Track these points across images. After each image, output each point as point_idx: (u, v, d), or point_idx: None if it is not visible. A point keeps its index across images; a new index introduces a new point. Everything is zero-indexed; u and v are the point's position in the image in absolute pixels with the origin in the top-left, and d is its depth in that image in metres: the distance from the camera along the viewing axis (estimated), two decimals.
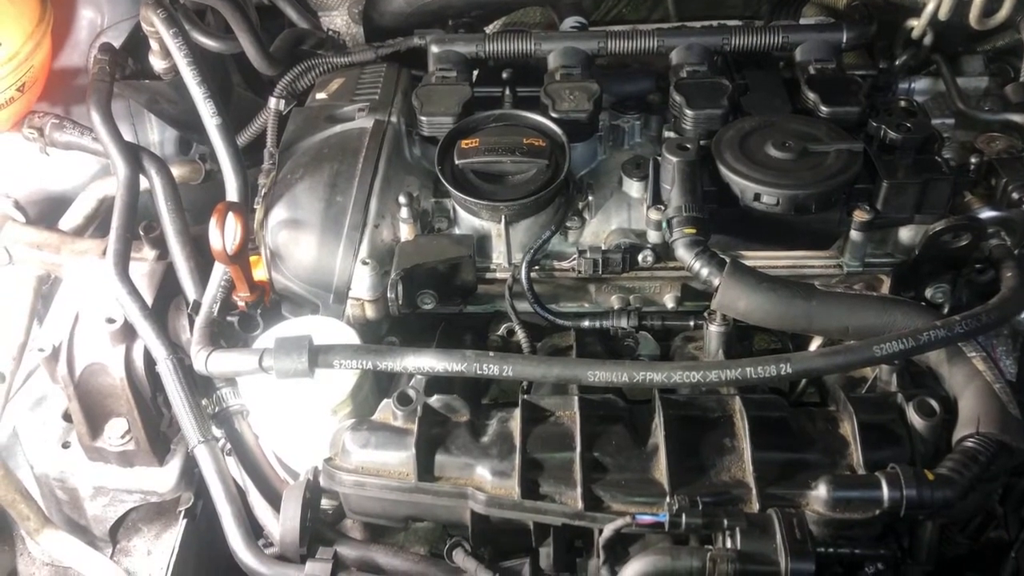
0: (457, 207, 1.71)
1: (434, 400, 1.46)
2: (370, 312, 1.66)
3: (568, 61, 1.88)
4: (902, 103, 1.74)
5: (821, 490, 1.29)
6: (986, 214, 1.65)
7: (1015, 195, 1.65)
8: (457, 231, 1.72)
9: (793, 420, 1.41)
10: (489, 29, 2.33)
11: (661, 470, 1.36)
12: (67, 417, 1.91)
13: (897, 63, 2.04)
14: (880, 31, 1.97)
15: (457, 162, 1.67)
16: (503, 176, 1.67)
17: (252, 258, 1.69)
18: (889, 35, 2.04)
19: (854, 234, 1.61)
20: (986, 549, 1.55)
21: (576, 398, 1.44)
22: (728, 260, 1.49)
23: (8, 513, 1.95)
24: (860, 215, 1.59)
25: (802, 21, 2.15)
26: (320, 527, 1.53)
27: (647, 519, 1.26)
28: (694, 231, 1.52)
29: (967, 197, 1.70)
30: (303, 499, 1.47)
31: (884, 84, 1.99)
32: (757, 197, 1.57)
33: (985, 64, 2.07)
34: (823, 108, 1.73)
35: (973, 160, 1.72)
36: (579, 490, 1.34)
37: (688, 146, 1.63)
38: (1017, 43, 2.05)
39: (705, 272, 1.49)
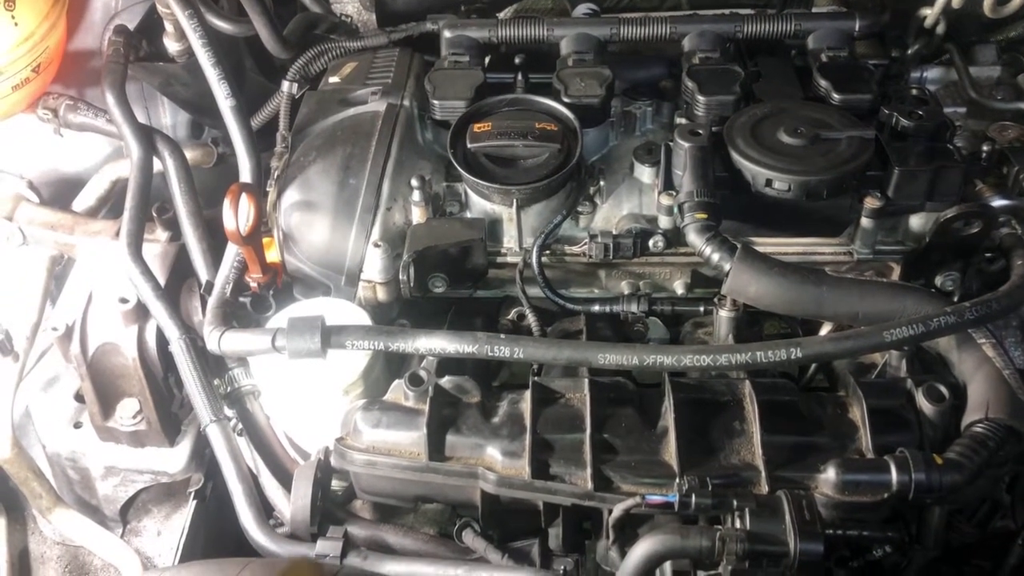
0: (469, 191, 1.72)
1: (445, 381, 1.47)
2: (381, 294, 1.67)
3: (580, 47, 1.89)
4: (914, 91, 1.74)
5: (830, 473, 1.30)
6: (997, 202, 1.65)
7: None
8: (469, 215, 1.73)
9: (803, 404, 1.42)
10: (501, 16, 2.33)
11: (671, 452, 1.36)
12: (79, 397, 1.93)
13: (909, 52, 2.04)
14: (893, 20, 1.97)
15: (469, 146, 1.68)
16: (515, 160, 1.67)
17: (265, 240, 1.70)
18: (902, 24, 2.04)
19: (865, 221, 1.62)
20: (993, 538, 1.55)
21: (586, 380, 1.45)
22: (739, 245, 1.49)
23: (20, 492, 1.97)
24: (871, 202, 1.60)
25: (815, 9, 2.15)
26: (331, 507, 1.54)
27: (657, 499, 1.27)
28: (705, 216, 1.53)
29: (978, 185, 1.69)
30: (314, 479, 1.48)
31: (896, 73, 1.99)
32: (769, 183, 1.58)
33: (998, 53, 2.06)
34: (835, 95, 1.73)
35: (985, 148, 1.72)
36: (589, 471, 1.35)
37: (700, 132, 1.63)
38: None
39: (716, 257, 1.49)
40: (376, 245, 1.63)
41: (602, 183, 1.72)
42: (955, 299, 1.61)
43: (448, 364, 1.51)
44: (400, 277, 1.62)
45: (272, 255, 1.74)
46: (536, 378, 1.49)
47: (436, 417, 1.42)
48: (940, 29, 2.01)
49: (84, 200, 2.13)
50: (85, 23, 2.11)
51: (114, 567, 1.94)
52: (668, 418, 1.40)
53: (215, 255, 1.75)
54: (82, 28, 2.11)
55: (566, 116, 1.72)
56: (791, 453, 1.35)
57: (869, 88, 1.73)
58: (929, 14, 1.99)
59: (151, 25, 2.04)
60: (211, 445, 1.62)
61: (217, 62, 1.79)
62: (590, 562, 1.50)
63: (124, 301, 1.74)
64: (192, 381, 1.62)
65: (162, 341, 1.72)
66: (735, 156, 1.61)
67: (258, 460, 1.64)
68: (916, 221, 1.66)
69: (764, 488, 1.32)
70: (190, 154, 2.06)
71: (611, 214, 1.73)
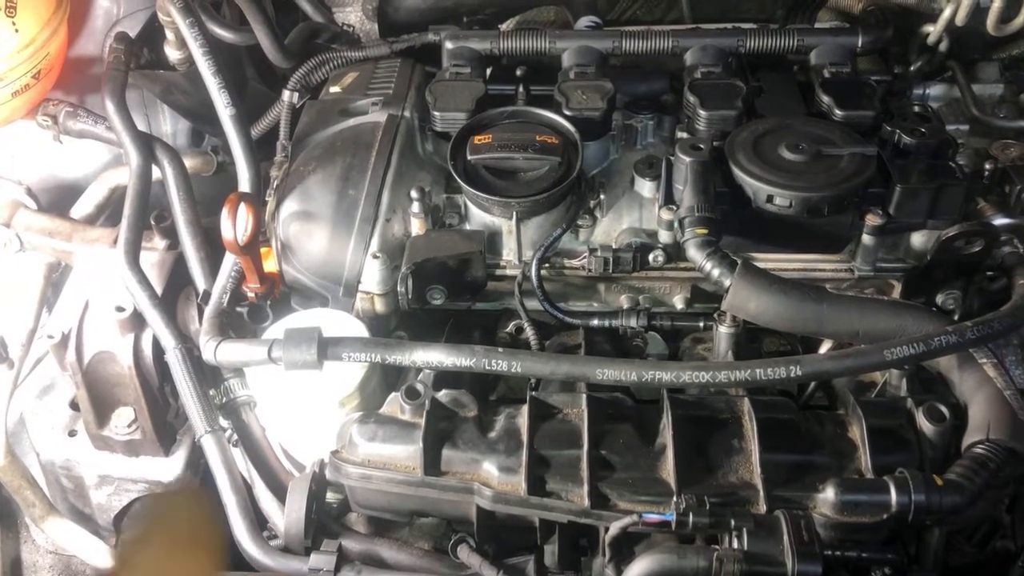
0: (468, 203, 1.71)
1: (442, 395, 1.46)
2: (379, 306, 1.66)
3: (582, 60, 1.88)
4: (916, 108, 1.74)
5: (829, 493, 1.29)
6: (999, 221, 1.65)
7: None
8: (468, 227, 1.72)
9: (802, 423, 1.41)
10: (503, 27, 2.33)
11: (668, 470, 1.35)
12: (74, 405, 1.92)
13: (912, 69, 2.03)
14: (895, 36, 1.97)
15: (469, 158, 1.67)
16: (515, 173, 1.67)
17: (263, 250, 1.70)
18: (904, 40, 2.04)
19: (866, 238, 1.61)
20: (992, 559, 1.53)
21: (584, 396, 1.44)
22: (739, 261, 1.49)
23: (14, 500, 1.95)
24: (872, 219, 1.59)
25: (817, 25, 2.15)
26: (325, 520, 1.52)
27: (654, 518, 1.26)
28: (706, 232, 1.52)
29: (980, 204, 1.69)
30: (309, 491, 1.47)
31: (899, 89, 1.98)
32: (770, 199, 1.57)
33: (1000, 71, 2.06)
34: (837, 111, 1.73)
35: (987, 167, 1.72)
36: (585, 488, 1.34)
37: (701, 146, 1.63)
38: None
39: (716, 273, 1.49)
40: (375, 256, 1.63)
41: (602, 197, 1.72)
42: (956, 318, 1.61)
43: (445, 377, 1.50)
44: (398, 289, 1.61)
45: (270, 265, 1.73)
46: (534, 393, 1.48)
47: (432, 431, 1.40)
48: (943, 46, 2.01)
49: (82, 207, 2.13)
50: (86, 30, 2.10)
51: None
52: (666, 435, 1.39)
53: (213, 264, 1.74)
54: (83, 35, 2.11)
55: (567, 129, 1.72)
56: (790, 472, 1.34)
57: (871, 105, 1.73)
58: (932, 31, 1.98)
59: (152, 33, 2.04)
60: (206, 456, 1.61)
61: (218, 71, 1.79)
62: None
63: (120, 310, 1.72)
64: (187, 391, 1.61)
65: (158, 350, 1.71)
66: (736, 171, 1.60)
67: (253, 471, 1.62)
68: (917, 239, 1.65)
69: (762, 507, 1.31)
70: (190, 162, 2.06)
71: (611, 228, 1.72)
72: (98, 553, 1.92)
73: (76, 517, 1.97)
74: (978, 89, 2.03)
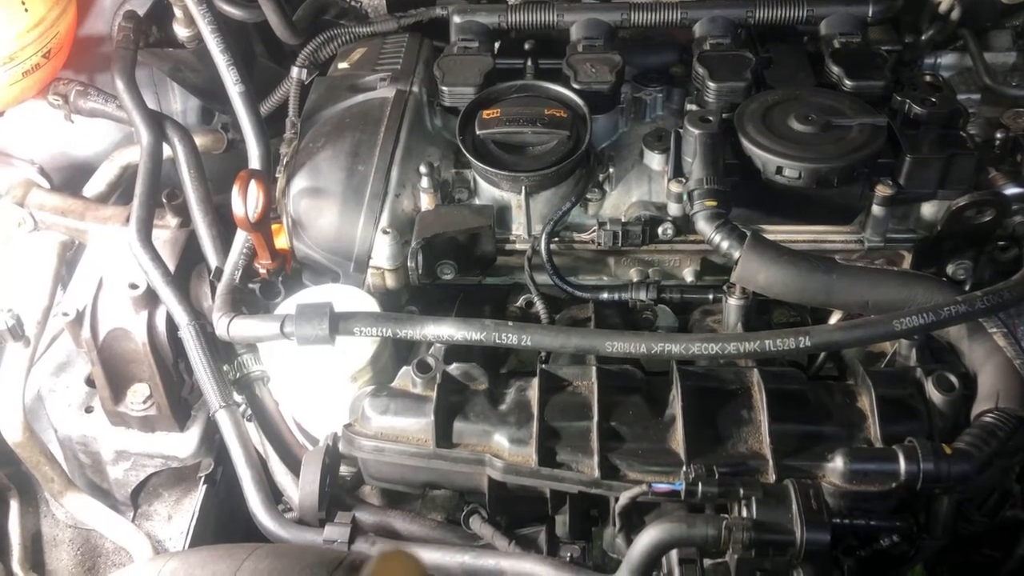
0: (477, 178, 1.71)
1: (453, 368, 1.47)
2: (390, 281, 1.67)
3: (591, 33, 1.88)
4: (927, 78, 1.73)
5: (838, 462, 1.29)
6: (1010, 190, 1.63)
7: None
8: (477, 202, 1.73)
9: (811, 393, 1.41)
10: (511, 1, 2.31)
11: (678, 440, 1.36)
12: (90, 382, 1.94)
13: (923, 38, 2.01)
14: (907, 5, 1.95)
15: (478, 132, 1.67)
16: (524, 147, 1.67)
17: (274, 226, 1.71)
18: (915, 9, 2.02)
19: (876, 209, 1.61)
20: (1002, 527, 1.54)
21: (594, 368, 1.45)
22: (748, 233, 1.49)
23: (33, 475, 1.98)
24: (882, 190, 1.59)
25: None
26: (339, 492, 1.54)
27: (663, 487, 1.27)
28: (715, 204, 1.52)
29: (991, 173, 1.68)
30: (322, 464, 1.49)
31: (909, 59, 1.97)
32: (779, 170, 1.57)
33: (1013, 39, 2.04)
34: (847, 82, 1.72)
35: (999, 136, 1.70)
36: (596, 458, 1.35)
37: (710, 118, 1.62)
38: None
39: (725, 245, 1.49)
40: (385, 232, 1.64)
41: (611, 170, 1.72)
42: (966, 288, 1.60)
43: (456, 351, 1.51)
44: (408, 264, 1.61)
45: (281, 241, 1.74)
46: (544, 365, 1.49)
47: (444, 404, 1.42)
48: (955, 15, 1.99)
49: (94, 186, 2.14)
50: (95, 9, 2.10)
51: (125, 550, 1.96)
52: (676, 406, 1.40)
53: (225, 241, 1.75)
54: (92, 14, 2.11)
55: (576, 102, 1.71)
56: (799, 442, 1.35)
57: (882, 75, 1.72)
58: None
59: (161, 11, 2.04)
60: (220, 430, 1.63)
61: (226, 48, 1.79)
62: (597, 549, 1.50)
63: (134, 287, 1.74)
64: (201, 367, 1.63)
65: (172, 327, 1.73)
66: (745, 143, 1.60)
67: (267, 445, 1.64)
68: (928, 209, 1.65)
69: (771, 477, 1.31)
70: (200, 140, 2.06)
71: (620, 201, 1.72)
72: (116, 527, 1.95)
73: (94, 492, 2.00)
74: (990, 58, 2.01)
